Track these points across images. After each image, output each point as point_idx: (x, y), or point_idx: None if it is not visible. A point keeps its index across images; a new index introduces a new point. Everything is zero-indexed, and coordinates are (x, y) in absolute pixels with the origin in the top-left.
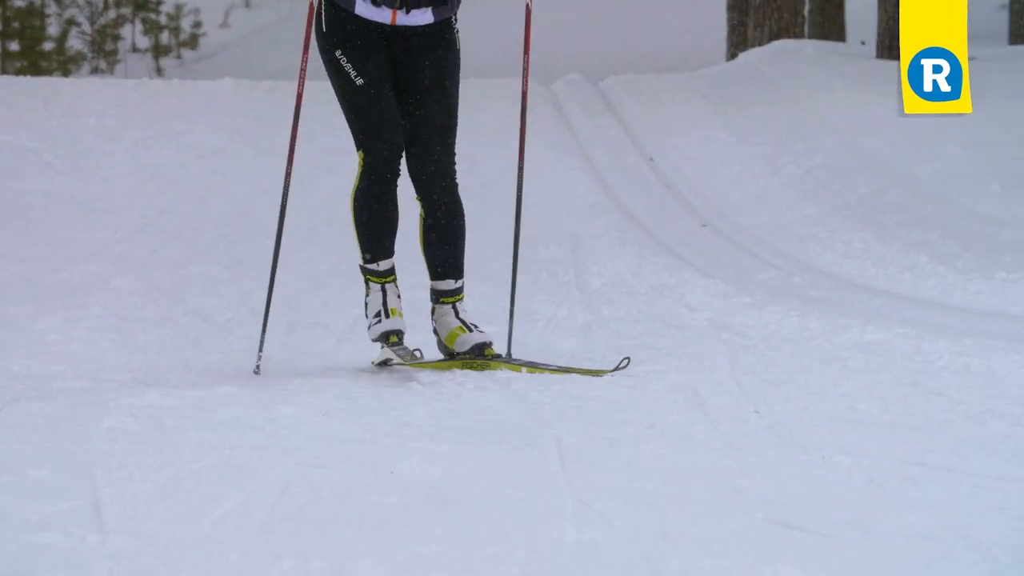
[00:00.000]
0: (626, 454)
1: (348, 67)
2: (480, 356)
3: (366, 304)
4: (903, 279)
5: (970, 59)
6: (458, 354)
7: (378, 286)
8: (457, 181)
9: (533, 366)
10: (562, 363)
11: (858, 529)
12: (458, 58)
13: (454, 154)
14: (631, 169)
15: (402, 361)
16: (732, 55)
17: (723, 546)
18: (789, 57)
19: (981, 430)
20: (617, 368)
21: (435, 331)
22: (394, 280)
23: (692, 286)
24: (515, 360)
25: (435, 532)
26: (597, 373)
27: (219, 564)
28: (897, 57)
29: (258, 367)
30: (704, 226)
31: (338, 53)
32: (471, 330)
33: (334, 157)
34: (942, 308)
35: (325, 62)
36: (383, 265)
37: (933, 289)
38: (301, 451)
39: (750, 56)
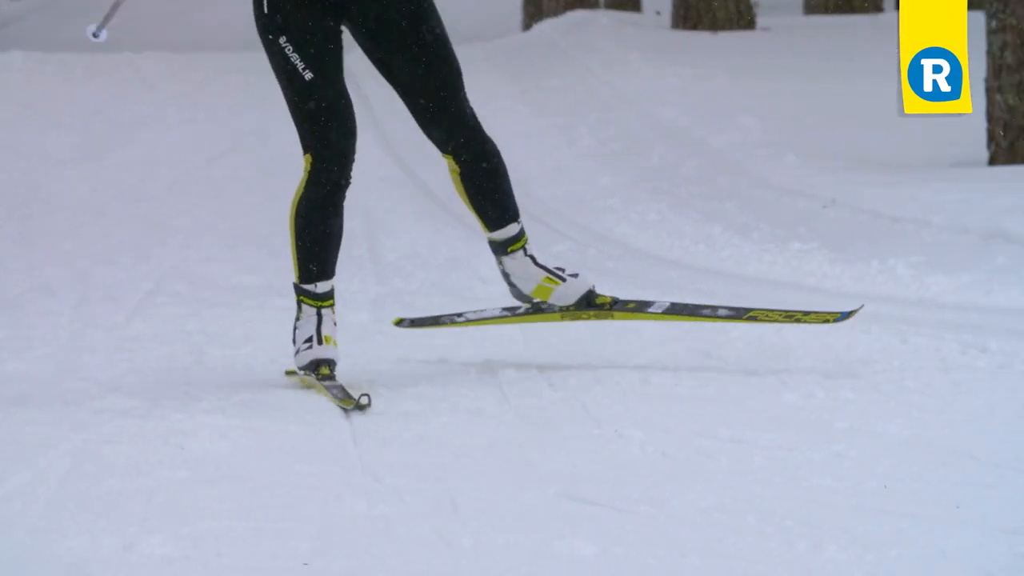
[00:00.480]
0: (418, 428)
1: (295, 57)
2: (593, 307)
3: (295, 328)
4: (698, 250)
5: (763, 30)
6: (560, 307)
7: (313, 310)
8: (478, 120)
9: (683, 309)
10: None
11: (651, 503)
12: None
13: (465, 97)
14: (426, 142)
15: (340, 403)
16: (527, 26)
17: (515, 520)
18: (584, 28)
19: (774, 401)
20: (847, 315)
21: (511, 285)
22: (332, 305)
23: (486, 259)
24: (631, 305)
25: (225, 507)
26: (820, 317)
27: (5, 543)
28: (693, 27)
29: None
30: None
31: (282, 41)
32: (564, 279)
33: (123, 132)
34: (737, 279)
35: (266, 48)
36: (322, 287)
37: (728, 260)
38: (89, 427)
39: (545, 27)
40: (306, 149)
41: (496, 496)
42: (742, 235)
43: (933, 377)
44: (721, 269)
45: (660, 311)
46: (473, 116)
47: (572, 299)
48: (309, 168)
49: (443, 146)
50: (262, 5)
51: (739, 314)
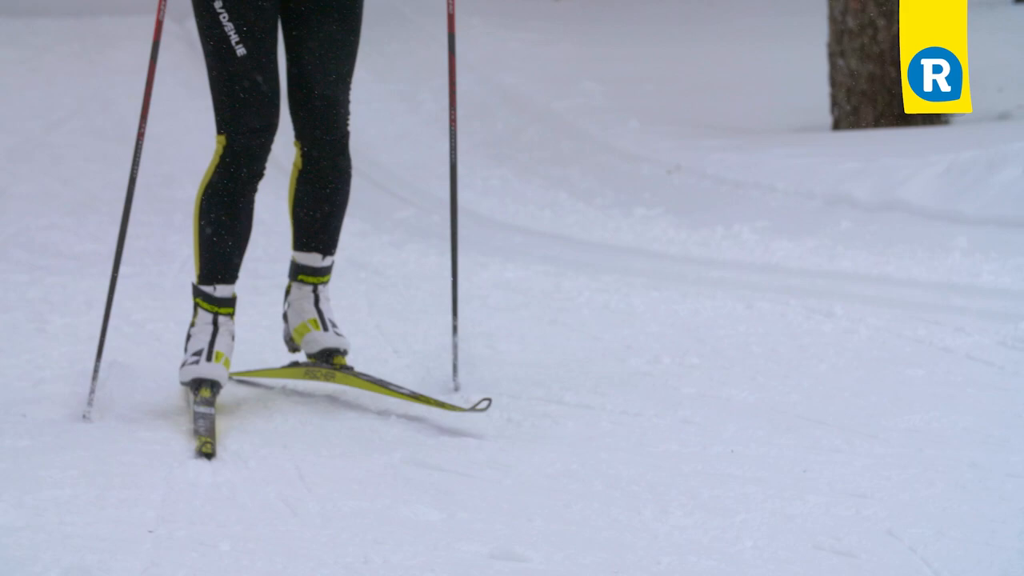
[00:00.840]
0: (261, 395)
1: (229, 28)
2: (326, 364)
3: (189, 335)
4: (543, 216)
5: None
6: (306, 355)
7: (209, 316)
8: (348, 130)
9: (383, 386)
10: (411, 387)
11: (496, 468)
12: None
13: (348, 99)
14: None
15: (202, 442)
16: None
17: (360, 487)
18: None
19: (620, 367)
20: (474, 408)
21: (284, 316)
22: (231, 314)
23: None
24: (364, 375)
25: (68, 475)
26: (452, 408)
27: None
28: None
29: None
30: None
31: (218, 5)
32: (327, 328)
33: None
34: (581, 245)
35: (196, 5)
36: (221, 291)
37: (573, 226)
38: None
39: None
40: (220, 129)
41: (341, 462)
42: (586, 201)
43: (779, 342)
44: (567, 235)
45: (369, 381)
46: (346, 120)
47: (316, 347)
48: (220, 152)
49: (303, 132)
50: None
51: (413, 394)
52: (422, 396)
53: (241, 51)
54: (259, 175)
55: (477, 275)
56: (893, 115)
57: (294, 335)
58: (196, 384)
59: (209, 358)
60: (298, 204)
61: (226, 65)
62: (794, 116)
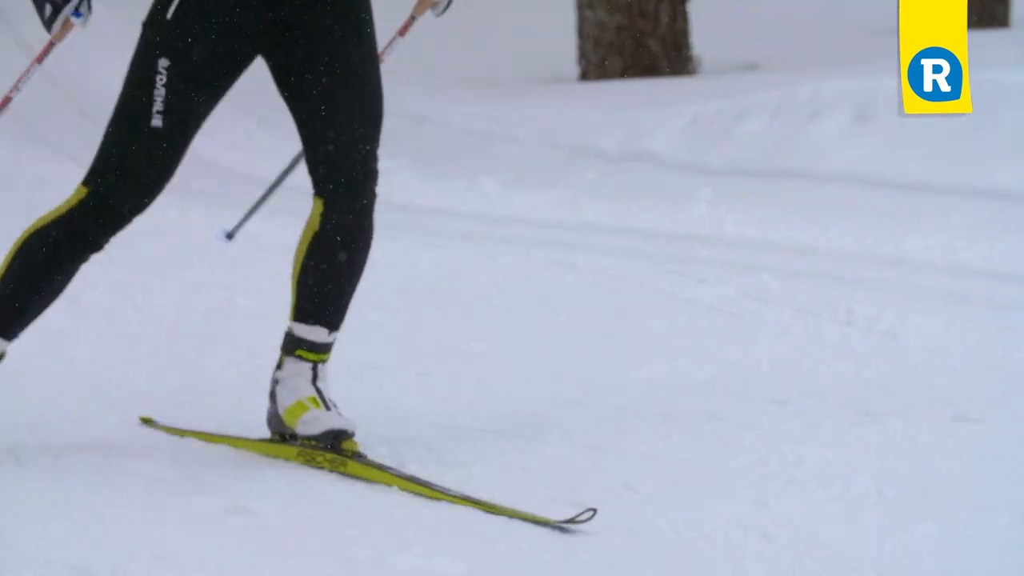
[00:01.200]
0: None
1: (160, 93)
2: (334, 449)
3: None
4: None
5: None
6: (302, 437)
7: None
8: (375, 191)
9: (421, 484)
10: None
11: (233, 424)
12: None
13: (376, 150)
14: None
15: None
16: None
17: (93, 442)
18: None
19: (359, 320)
20: (573, 521)
21: (272, 395)
22: None
23: (71, 178)
24: (388, 468)
25: None
26: (543, 521)
27: None
28: None
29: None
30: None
31: (163, 65)
32: (329, 407)
33: None
34: None
35: (140, 48)
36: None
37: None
38: None
39: None
40: (90, 182)
41: (77, 419)
42: None
43: (520, 295)
44: (309, 187)
45: (399, 476)
46: (375, 178)
47: (319, 429)
48: (75, 204)
49: (325, 184)
50: (167, 8)
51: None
52: (488, 504)
53: (158, 123)
54: (100, 247)
55: (217, 229)
56: (640, 66)
57: (285, 416)
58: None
59: None
60: (307, 271)
61: (135, 127)
62: (542, 68)
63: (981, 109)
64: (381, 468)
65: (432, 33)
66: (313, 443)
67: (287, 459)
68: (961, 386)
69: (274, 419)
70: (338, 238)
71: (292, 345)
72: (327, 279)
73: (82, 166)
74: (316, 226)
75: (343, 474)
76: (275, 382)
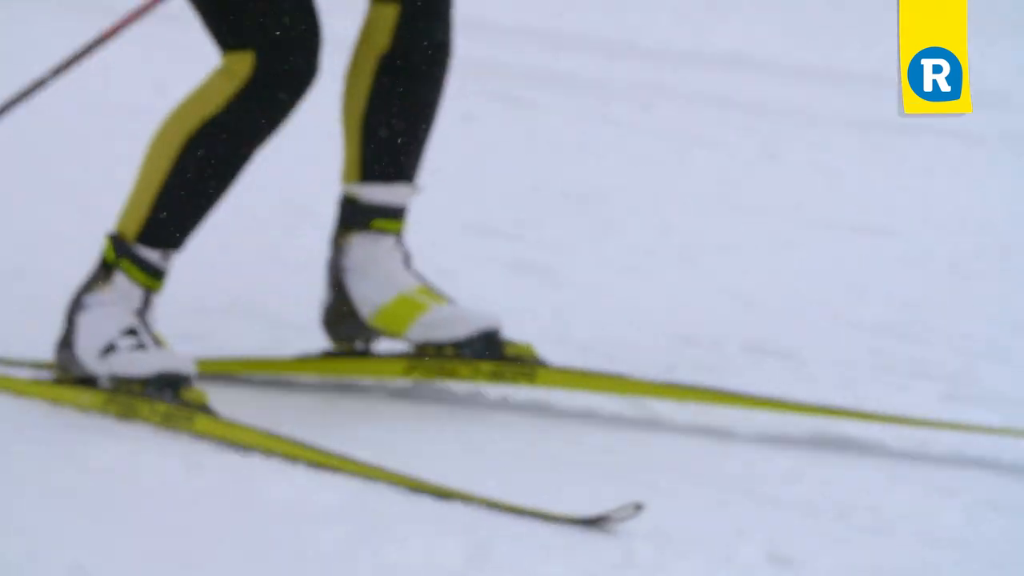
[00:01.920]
0: None
1: None
2: (497, 355)
3: (81, 305)
4: None
5: None
6: (430, 343)
7: (138, 291)
8: None
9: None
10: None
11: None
12: None
13: None
14: None
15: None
16: None
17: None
18: None
19: None
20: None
21: (338, 288)
22: (159, 292)
23: None
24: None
25: None
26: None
27: None
28: None
29: None
30: None
31: None
32: (448, 299)
33: None
34: None
35: None
36: (165, 259)
37: None
38: None
39: None
40: (239, 43)
41: None
42: None
43: None
44: None
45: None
46: None
47: (464, 330)
48: (249, 73)
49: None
50: None
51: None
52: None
53: None
54: (300, 101)
55: None
56: None
57: (378, 319)
58: (172, 382)
59: (156, 342)
60: (376, 107)
61: None
62: None
63: None
64: (573, 372)
65: None
66: (463, 348)
67: (393, 378)
68: None
69: (346, 321)
70: (417, 57)
71: (362, 215)
72: (405, 115)
73: None
74: (385, 44)
75: (530, 386)
76: (339, 270)
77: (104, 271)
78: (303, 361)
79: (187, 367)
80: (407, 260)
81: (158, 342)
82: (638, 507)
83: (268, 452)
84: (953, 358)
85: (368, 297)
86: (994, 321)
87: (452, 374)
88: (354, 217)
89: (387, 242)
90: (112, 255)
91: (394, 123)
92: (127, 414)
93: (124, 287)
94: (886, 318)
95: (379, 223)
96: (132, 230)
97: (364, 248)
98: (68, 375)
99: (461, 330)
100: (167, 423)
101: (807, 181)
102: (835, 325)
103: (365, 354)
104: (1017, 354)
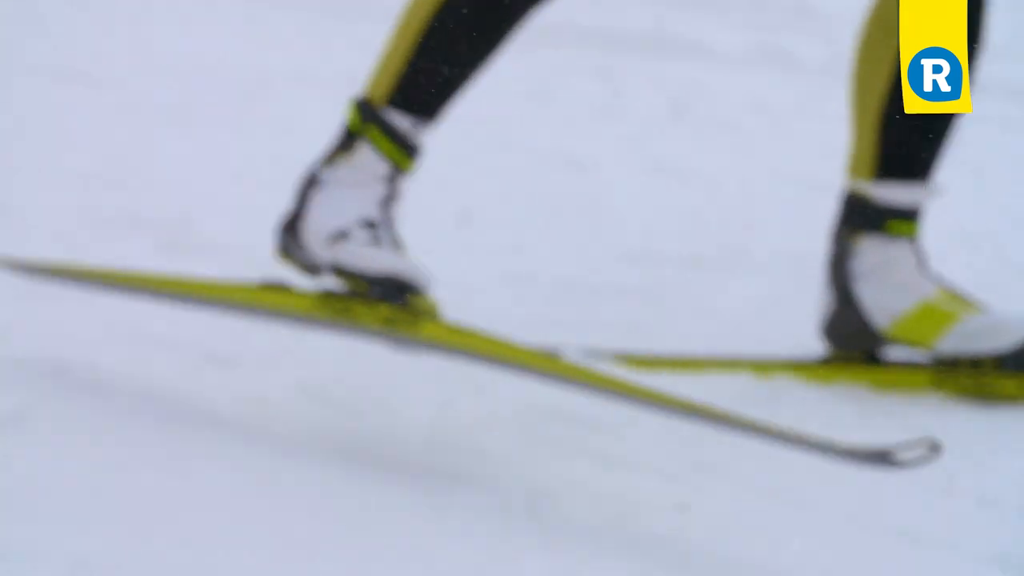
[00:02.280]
0: None
1: None
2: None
3: (325, 175)
4: None
5: None
6: (965, 356)
7: (384, 166)
8: None
9: None
10: None
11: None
12: None
13: None
14: None
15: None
16: None
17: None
18: None
19: None
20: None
21: (848, 303)
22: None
23: None
24: None
25: None
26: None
27: None
28: None
29: None
30: None
31: None
32: (977, 306)
33: None
34: None
35: None
36: (420, 132)
37: None
38: None
39: None
40: None
41: None
42: None
43: None
44: None
45: None
46: None
47: (1006, 342)
48: None
49: None
50: None
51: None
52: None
53: None
54: None
55: None
56: None
57: (898, 329)
58: (399, 289)
59: (397, 244)
60: (899, 97)
61: None
62: None
63: None
64: None
65: None
66: (994, 364)
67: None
68: None
69: (854, 328)
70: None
71: (875, 216)
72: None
73: None
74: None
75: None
76: (847, 275)
77: (347, 141)
78: (837, 368)
79: (423, 276)
80: (923, 263)
81: (397, 245)
82: (934, 447)
83: (499, 359)
84: (169, 207)
85: (884, 305)
86: (212, 170)
87: (995, 392)
88: (865, 218)
89: (902, 245)
90: (357, 121)
91: (917, 115)
92: (339, 316)
93: (369, 161)
94: (95, 168)
95: (895, 226)
96: (380, 93)
97: (877, 252)
98: (289, 259)
99: (1004, 341)
100: (388, 327)
101: None
102: (42, 175)
103: (875, 362)
104: (233, 202)
